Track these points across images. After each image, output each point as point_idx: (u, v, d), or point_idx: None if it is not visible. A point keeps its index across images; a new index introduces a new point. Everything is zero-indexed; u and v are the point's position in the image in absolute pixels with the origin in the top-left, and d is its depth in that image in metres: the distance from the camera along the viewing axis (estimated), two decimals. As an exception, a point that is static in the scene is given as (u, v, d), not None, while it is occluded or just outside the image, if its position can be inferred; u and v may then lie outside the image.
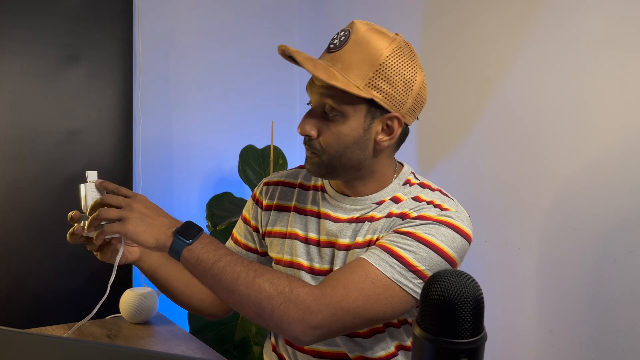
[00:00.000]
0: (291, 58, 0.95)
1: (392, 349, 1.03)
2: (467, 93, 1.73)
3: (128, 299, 1.50)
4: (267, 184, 1.15)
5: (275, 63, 2.42)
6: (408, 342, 1.05)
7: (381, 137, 0.97)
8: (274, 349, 1.13)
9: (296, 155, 2.45)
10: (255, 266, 0.88)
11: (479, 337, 0.52)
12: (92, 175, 0.94)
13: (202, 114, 2.26)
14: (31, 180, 1.76)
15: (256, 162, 2.10)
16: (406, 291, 0.90)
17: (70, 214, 0.93)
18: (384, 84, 0.93)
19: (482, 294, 0.53)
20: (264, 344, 1.23)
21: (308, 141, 0.98)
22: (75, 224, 0.92)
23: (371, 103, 0.94)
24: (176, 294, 1.11)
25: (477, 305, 0.52)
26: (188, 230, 0.88)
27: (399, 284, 0.90)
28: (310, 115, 0.98)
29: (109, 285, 0.94)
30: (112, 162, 1.88)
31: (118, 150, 1.89)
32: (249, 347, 1.92)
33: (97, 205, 0.89)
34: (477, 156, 1.70)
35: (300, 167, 1.16)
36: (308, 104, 1.01)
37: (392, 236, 0.94)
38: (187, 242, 0.87)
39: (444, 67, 1.80)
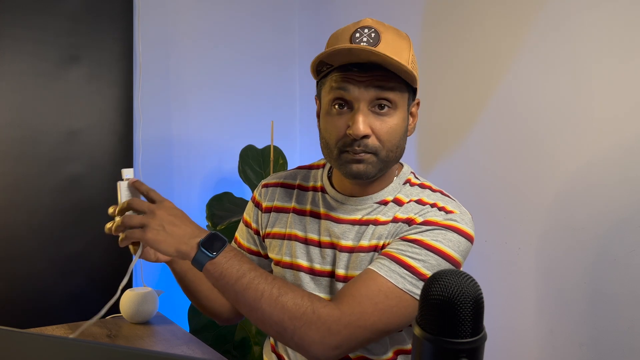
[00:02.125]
0: (326, 65, 0.93)
1: (390, 354, 1.04)
2: (466, 93, 1.73)
3: (128, 299, 1.50)
4: (266, 185, 1.15)
5: (275, 63, 2.42)
6: (409, 346, 1.05)
7: (410, 121, 1.01)
8: (273, 349, 1.13)
9: (296, 155, 2.45)
10: (278, 284, 0.89)
11: (478, 337, 0.52)
12: (127, 173, 0.95)
13: (202, 114, 2.26)
14: (31, 180, 1.76)
15: (256, 162, 2.10)
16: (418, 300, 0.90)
17: (110, 209, 0.93)
18: (415, 70, 0.96)
19: (482, 293, 0.53)
20: (263, 344, 1.23)
21: (363, 142, 0.93)
22: (116, 218, 0.92)
23: (410, 89, 0.97)
24: (200, 297, 1.11)
25: (477, 305, 0.52)
26: (212, 243, 0.88)
27: (411, 294, 0.91)
28: (361, 114, 0.92)
29: (120, 287, 0.94)
30: (112, 162, 1.88)
31: (118, 150, 1.89)
32: (249, 347, 1.92)
33: (123, 209, 0.90)
34: (477, 156, 1.70)
35: (299, 168, 1.16)
36: (340, 103, 0.94)
37: (399, 244, 0.94)
38: (211, 255, 0.87)
39: (444, 67, 1.80)
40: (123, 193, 0.93)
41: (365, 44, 0.91)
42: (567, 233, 1.45)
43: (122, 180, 0.94)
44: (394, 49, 0.92)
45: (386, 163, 0.97)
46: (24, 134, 1.74)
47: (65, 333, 1.41)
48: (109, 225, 0.93)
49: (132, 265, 0.94)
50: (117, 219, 0.89)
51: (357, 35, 0.92)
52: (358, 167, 0.94)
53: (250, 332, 1.93)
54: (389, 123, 0.94)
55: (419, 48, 1.88)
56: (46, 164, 1.78)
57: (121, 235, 0.89)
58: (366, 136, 0.92)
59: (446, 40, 1.80)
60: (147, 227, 0.86)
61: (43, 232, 1.77)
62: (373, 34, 0.92)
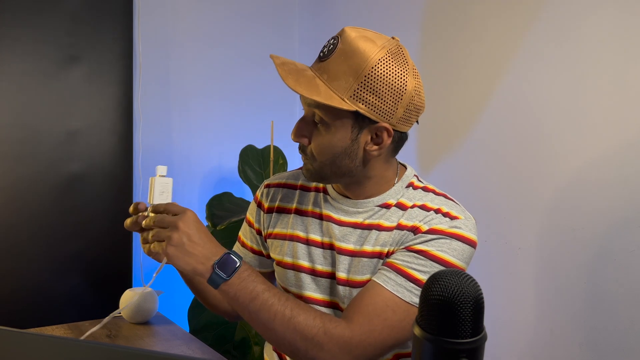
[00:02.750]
0: None
1: (389, 357, 1.04)
2: (467, 93, 1.73)
3: (128, 299, 1.49)
4: (268, 186, 1.15)
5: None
6: (408, 349, 1.05)
7: (370, 146, 0.96)
8: (275, 348, 1.13)
9: (296, 155, 2.44)
10: (291, 304, 0.91)
11: (479, 337, 0.52)
12: (161, 170, 0.98)
13: (202, 114, 2.26)
14: (31, 180, 1.76)
15: (256, 162, 2.10)
16: None
17: (134, 205, 0.96)
18: (370, 95, 0.90)
19: (482, 293, 0.53)
20: (264, 343, 1.24)
21: (301, 146, 0.99)
22: (140, 213, 0.96)
23: (357, 114, 0.93)
24: (208, 296, 1.14)
25: (477, 305, 0.52)
26: (227, 264, 0.90)
27: (417, 306, 0.91)
28: (302, 122, 0.98)
29: (152, 278, 1.03)
30: (112, 162, 1.88)
31: (118, 150, 1.89)
32: (249, 347, 1.92)
33: (150, 224, 0.93)
34: (477, 156, 1.70)
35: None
36: (303, 109, 1.01)
37: (405, 255, 0.94)
38: (225, 277, 0.90)
39: (444, 68, 1.80)
40: (156, 189, 0.97)
41: (322, 54, 0.95)
42: (567, 233, 1.45)
43: (157, 176, 0.98)
44: (338, 67, 0.91)
45: (323, 174, 0.98)
46: (24, 134, 1.74)
47: (65, 333, 1.41)
48: (137, 219, 0.96)
49: (159, 269, 1.01)
50: (147, 217, 0.94)
51: (326, 44, 0.96)
52: (302, 170, 1.03)
53: (250, 332, 1.93)
54: (321, 139, 0.96)
55: (419, 47, 1.88)
56: (46, 164, 1.78)
57: (151, 246, 0.92)
58: (303, 143, 0.98)
59: (446, 40, 1.80)
60: (168, 242, 0.89)
61: (43, 232, 1.77)
62: (331, 46, 0.94)
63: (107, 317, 1.06)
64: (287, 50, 2.48)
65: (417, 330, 0.53)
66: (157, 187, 0.97)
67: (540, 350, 1.51)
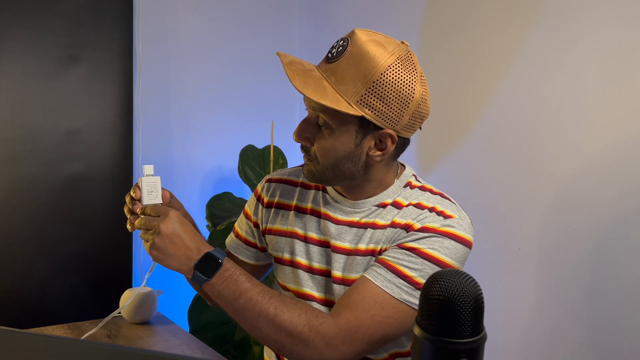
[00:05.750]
0: None
1: (385, 355, 1.04)
2: (467, 93, 1.73)
3: (128, 299, 1.49)
4: (269, 181, 1.16)
5: (275, 63, 2.41)
6: (406, 349, 1.05)
7: (374, 152, 0.96)
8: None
9: (296, 155, 2.45)
10: (275, 302, 0.91)
11: (478, 337, 0.52)
12: (148, 170, 1.02)
13: (202, 114, 2.26)
14: (31, 180, 1.76)
15: (256, 162, 2.10)
16: (415, 309, 0.91)
17: (126, 207, 1.01)
18: (377, 102, 0.90)
19: (482, 293, 0.53)
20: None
21: (304, 146, 0.99)
22: (132, 216, 1.01)
23: (363, 119, 0.92)
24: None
25: (477, 305, 0.52)
26: (207, 265, 0.92)
27: (407, 303, 0.91)
28: (305, 123, 0.98)
29: (144, 279, 1.09)
30: (112, 162, 1.88)
31: (118, 150, 1.89)
32: (249, 347, 1.92)
33: (139, 227, 0.98)
34: (477, 156, 1.70)
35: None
36: (306, 109, 1.01)
37: (396, 252, 0.94)
38: (206, 278, 0.92)
39: (444, 68, 1.80)
40: (144, 189, 0.99)
41: (331, 54, 0.93)
42: (567, 233, 1.45)
43: (144, 176, 1.00)
44: (346, 70, 0.90)
45: (325, 176, 0.98)
46: (24, 133, 1.74)
47: (65, 333, 1.41)
48: (134, 223, 1.01)
49: (152, 267, 1.03)
50: (138, 220, 0.98)
51: (335, 44, 0.95)
52: (303, 171, 1.02)
53: (250, 332, 1.93)
54: (324, 142, 0.95)
55: (417, 49, 1.88)
56: (46, 164, 1.78)
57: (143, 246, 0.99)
58: (306, 145, 0.98)
59: (446, 40, 1.80)
60: (152, 244, 0.93)
61: (43, 232, 1.77)
62: (340, 48, 0.93)
63: (106, 317, 1.08)
64: (287, 50, 2.48)
65: (417, 330, 0.53)
66: (144, 187, 0.99)
67: (540, 349, 1.51)
